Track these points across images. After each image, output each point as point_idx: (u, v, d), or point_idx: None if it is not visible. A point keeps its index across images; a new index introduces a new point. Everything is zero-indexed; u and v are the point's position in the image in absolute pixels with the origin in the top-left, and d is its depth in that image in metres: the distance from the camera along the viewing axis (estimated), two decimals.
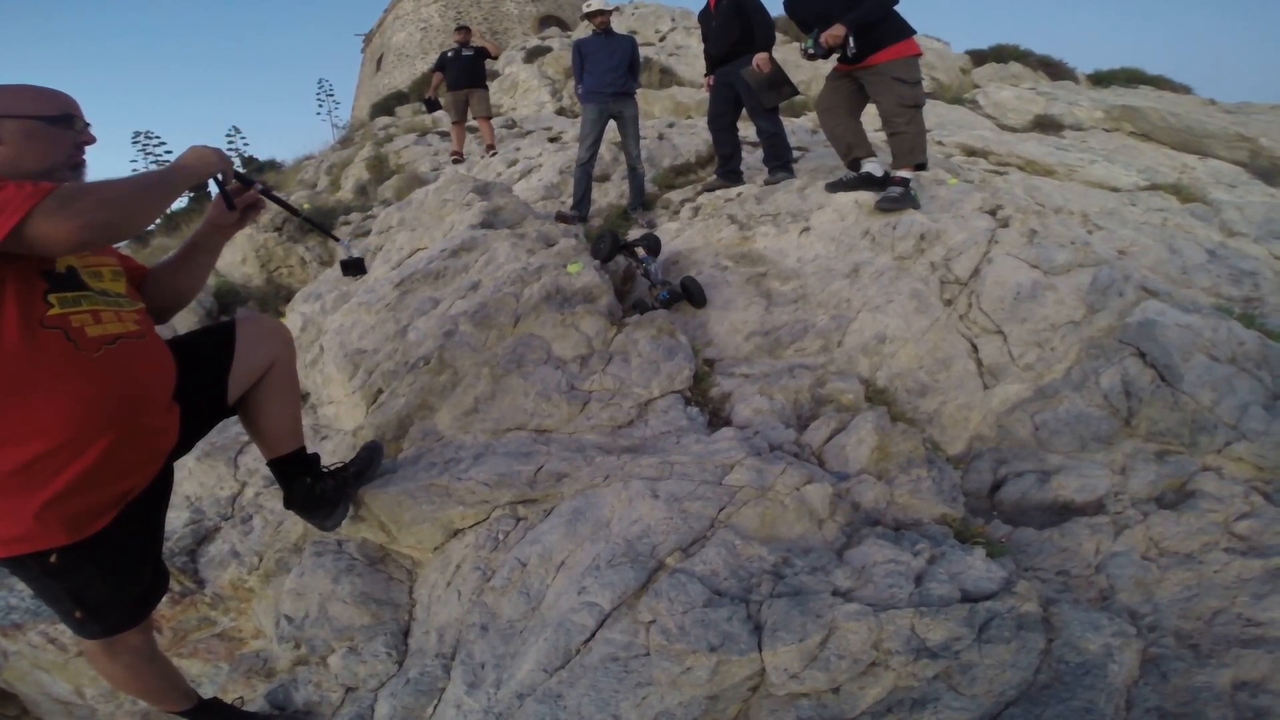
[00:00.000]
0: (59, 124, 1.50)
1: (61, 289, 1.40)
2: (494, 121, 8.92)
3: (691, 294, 3.64)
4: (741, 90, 4.81)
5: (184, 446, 1.81)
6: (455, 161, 8.67)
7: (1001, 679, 1.70)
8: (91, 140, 1.58)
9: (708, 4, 4.99)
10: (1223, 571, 2.14)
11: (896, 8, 3.74)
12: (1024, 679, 1.72)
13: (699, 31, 5.28)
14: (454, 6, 32.36)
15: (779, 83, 4.60)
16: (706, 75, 5.27)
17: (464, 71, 8.52)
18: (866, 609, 1.79)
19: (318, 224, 2.53)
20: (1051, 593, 2.05)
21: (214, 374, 1.84)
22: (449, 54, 8.69)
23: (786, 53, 11.88)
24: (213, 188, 1.84)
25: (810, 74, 11.23)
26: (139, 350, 1.54)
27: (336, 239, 2.60)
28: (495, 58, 8.86)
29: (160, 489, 1.71)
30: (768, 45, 4.63)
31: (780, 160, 4.87)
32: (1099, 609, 2.01)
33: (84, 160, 1.58)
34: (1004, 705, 1.67)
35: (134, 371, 1.51)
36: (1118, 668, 1.76)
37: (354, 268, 2.41)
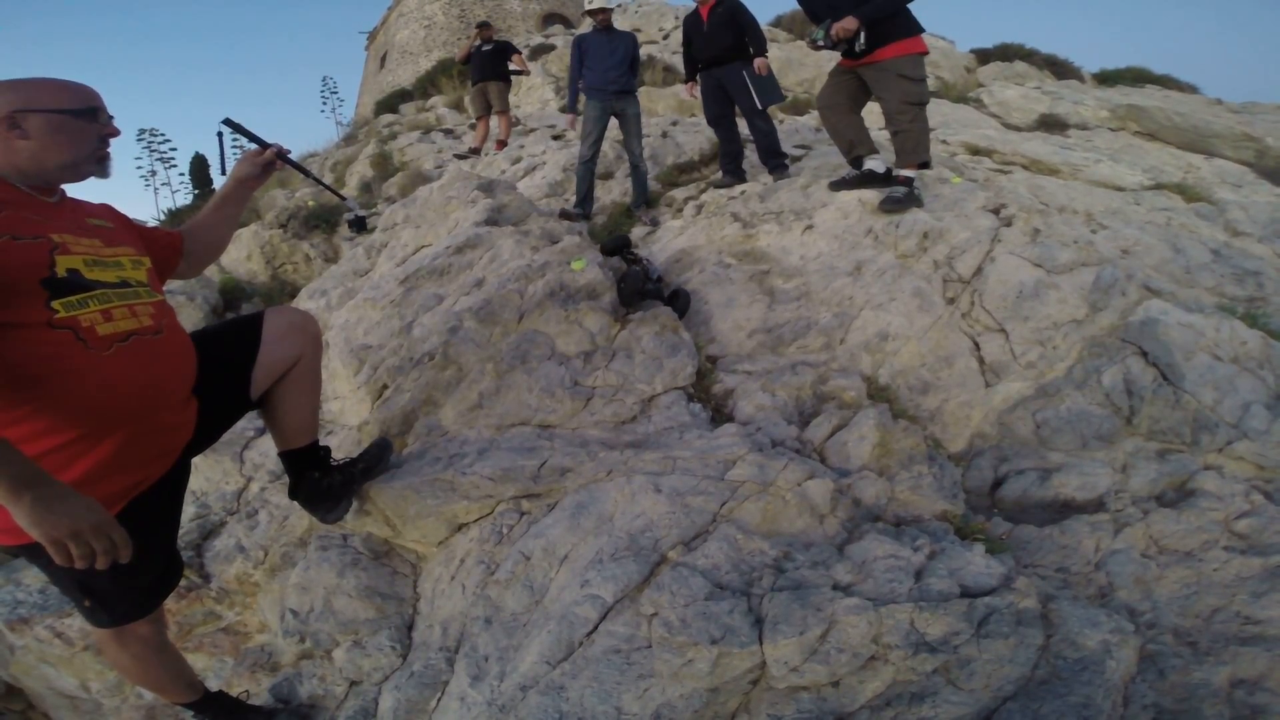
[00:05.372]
0: (84, 117, 1.51)
1: (63, 294, 1.39)
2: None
3: (675, 304, 3.62)
4: (735, 91, 4.97)
5: (204, 441, 1.82)
6: (473, 153, 8.76)
7: (1000, 674, 1.71)
8: (116, 133, 1.59)
9: (698, 11, 5.11)
10: (1222, 570, 2.15)
11: (910, 5, 3.74)
12: (1022, 674, 1.73)
13: None
14: (458, 4, 32.38)
15: (775, 85, 4.92)
16: (689, 81, 5.46)
17: (483, 66, 8.68)
18: (866, 603, 1.80)
19: (328, 187, 2.66)
20: (1051, 589, 2.06)
21: (237, 369, 1.85)
22: (471, 48, 8.85)
23: (790, 51, 11.89)
24: (227, 142, 2.15)
25: (814, 71, 11.23)
26: (153, 347, 1.54)
27: (343, 198, 2.80)
28: (523, 66, 8.99)
29: (174, 482, 1.71)
30: (764, 50, 4.95)
31: (780, 158, 5.01)
32: (1098, 606, 2.02)
33: (108, 153, 1.60)
34: (1002, 700, 1.69)
35: (146, 368, 1.51)
36: (1115, 664, 1.77)
37: (358, 225, 2.64)
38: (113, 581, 1.57)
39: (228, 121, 2.20)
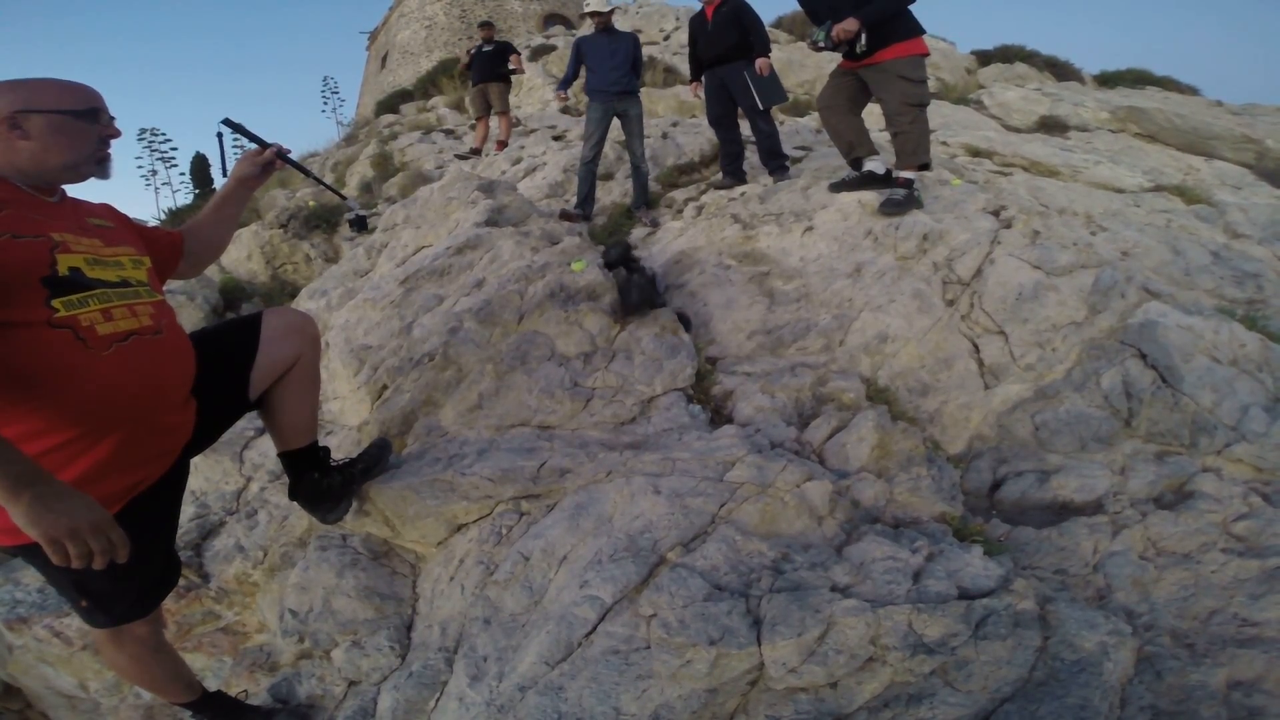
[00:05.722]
0: (85, 118, 1.51)
1: (64, 292, 1.39)
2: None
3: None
4: (737, 91, 4.99)
5: (203, 441, 1.82)
6: (473, 154, 8.80)
7: (997, 675, 1.71)
8: (116, 134, 1.60)
9: (703, 11, 5.14)
10: (1220, 572, 2.15)
11: (911, 6, 3.74)
12: (1020, 676, 1.73)
13: None
14: (459, 4, 32.41)
15: (777, 85, 4.91)
16: (693, 81, 5.47)
17: (483, 67, 8.74)
18: (865, 605, 1.80)
19: (329, 186, 2.68)
20: (1049, 591, 2.06)
21: (236, 370, 1.85)
22: (472, 51, 8.89)
23: (790, 52, 11.90)
24: (228, 142, 2.17)
25: (815, 73, 11.25)
26: (152, 347, 1.54)
27: (343, 197, 2.82)
28: (519, 66, 9.01)
29: (173, 483, 1.71)
30: (767, 51, 4.94)
31: (780, 159, 5.02)
32: (1096, 608, 2.02)
33: (109, 154, 1.60)
34: (999, 701, 1.69)
35: (146, 368, 1.51)
36: (1113, 666, 1.77)
37: (359, 224, 2.66)
38: (110, 582, 1.56)
39: (227, 121, 2.21)
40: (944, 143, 7.15)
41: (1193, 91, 10.89)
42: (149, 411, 1.53)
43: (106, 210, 1.69)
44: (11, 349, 1.32)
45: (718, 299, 3.75)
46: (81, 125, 1.51)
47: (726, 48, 4.99)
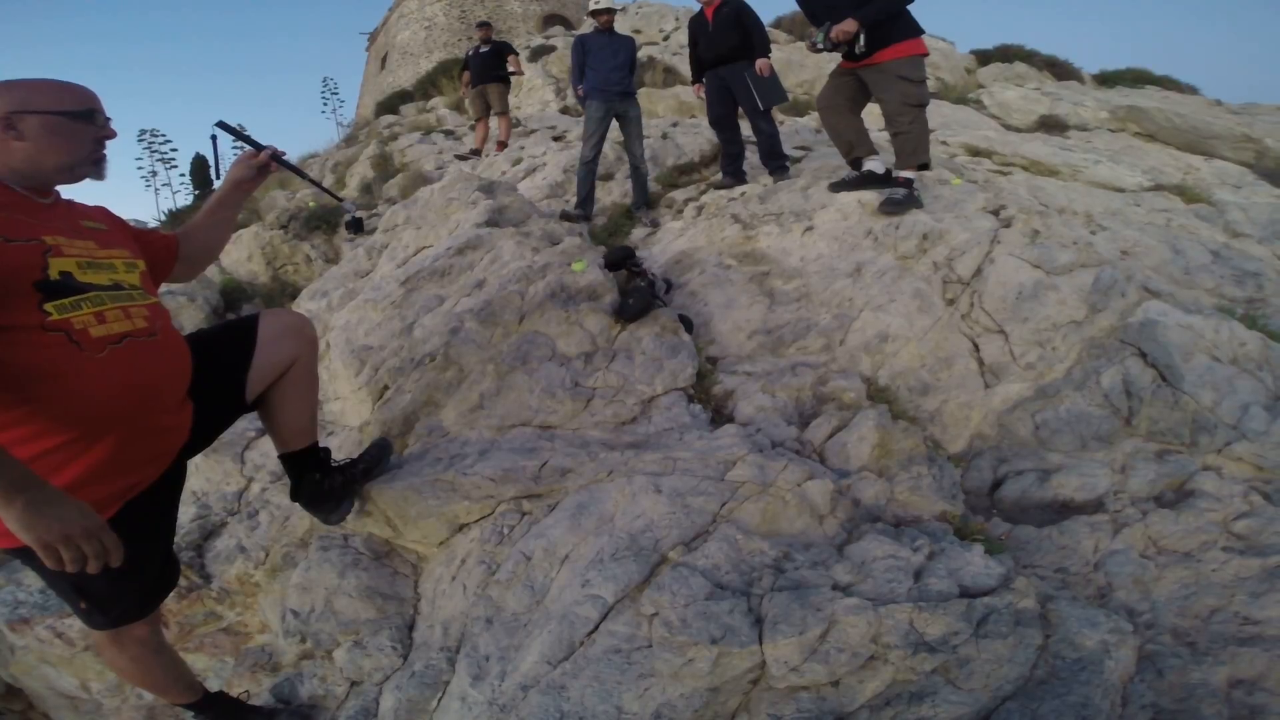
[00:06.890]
0: (81, 119, 1.51)
1: (56, 296, 1.38)
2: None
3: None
4: (739, 91, 5.01)
5: (200, 443, 1.81)
6: (473, 154, 8.82)
7: (998, 674, 1.72)
8: (112, 135, 1.59)
9: (703, 12, 5.16)
10: (1221, 570, 2.15)
11: (909, 7, 3.74)
12: (1021, 674, 1.74)
13: None
14: (458, 5, 32.41)
15: (778, 86, 4.94)
16: (695, 82, 5.48)
17: (482, 67, 8.76)
18: (866, 603, 1.81)
19: (325, 189, 2.67)
20: (1050, 590, 2.07)
21: (233, 372, 1.85)
22: (470, 52, 8.90)
23: (790, 52, 11.90)
24: (223, 145, 2.14)
25: (814, 73, 11.25)
26: (146, 349, 1.53)
27: (339, 199, 2.79)
28: (518, 68, 9.04)
29: (170, 484, 1.71)
30: (767, 51, 4.97)
31: (780, 159, 5.04)
32: (1096, 606, 2.03)
33: (105, 155, 1.59)
34: (1001, 700, 1.69)
35: (140, 371, 1.50)
36: (1114, 664, 1.78)
37: (355, 226, 2.68)
38: (108, 584, 1.56)
39: (220, 124, 2.20)
40: (943, 142, 7.16)
41: (1192, 91, 10.90)
42: (144, 413, 1.53)
43: (101, 213, 1.69)
44: (6, 352, 1.31)
45: (718, 299, 3.75)
46: (77, 126, 1.50)
47: (728, 48, 5.01)
